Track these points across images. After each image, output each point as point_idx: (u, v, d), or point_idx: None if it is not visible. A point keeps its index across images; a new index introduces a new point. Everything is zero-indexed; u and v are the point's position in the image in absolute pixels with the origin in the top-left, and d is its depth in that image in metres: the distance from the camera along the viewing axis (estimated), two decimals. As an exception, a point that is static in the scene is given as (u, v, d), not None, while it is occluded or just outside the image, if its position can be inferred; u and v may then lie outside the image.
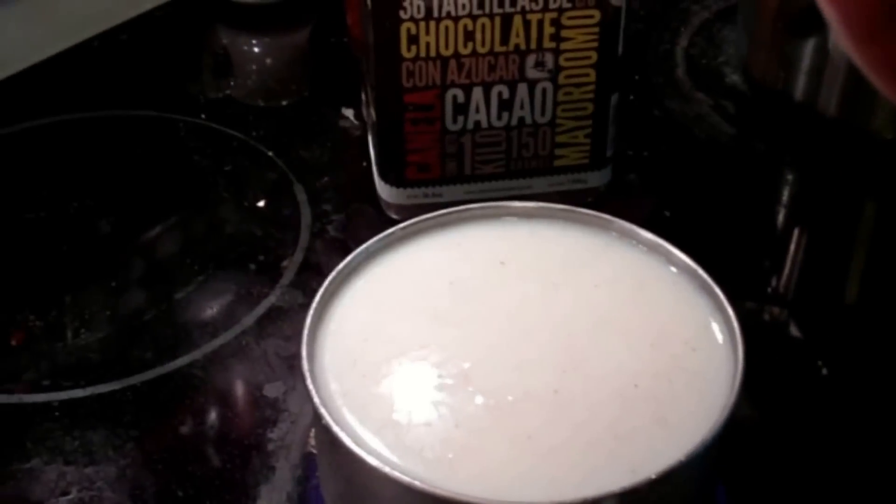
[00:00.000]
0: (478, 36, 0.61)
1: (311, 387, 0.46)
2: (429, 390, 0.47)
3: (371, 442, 0.44)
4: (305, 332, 0.48)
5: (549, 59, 0.63)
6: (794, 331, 0.61)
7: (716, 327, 0.49)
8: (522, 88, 0.63)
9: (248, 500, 0.53)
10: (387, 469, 0.42)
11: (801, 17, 0.77)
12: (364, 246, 0.53)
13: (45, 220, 0.70)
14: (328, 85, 0.84)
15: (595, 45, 0.63)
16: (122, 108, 0.80)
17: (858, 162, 0.75)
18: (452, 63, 0.62)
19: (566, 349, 0.49)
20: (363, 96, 0.74)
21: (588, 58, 0.63)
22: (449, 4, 0.60)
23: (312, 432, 0.55)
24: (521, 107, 0.64)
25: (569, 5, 0.61)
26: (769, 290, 0.66)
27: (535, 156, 0.66)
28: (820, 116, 0.77)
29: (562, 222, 0.55)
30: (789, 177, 0.78)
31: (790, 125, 0.79)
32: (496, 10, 0.60)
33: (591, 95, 0.65)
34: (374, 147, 0.68)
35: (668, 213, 0.70)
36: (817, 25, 0.74)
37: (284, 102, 0.82)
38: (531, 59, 0.62)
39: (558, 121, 0.65)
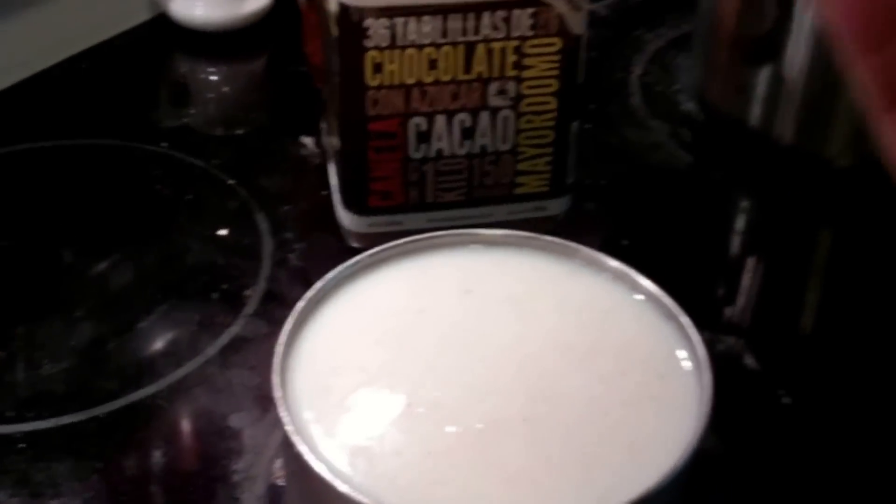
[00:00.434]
0: (441, 64, 0.62)
1: (283, 414, 0.46)
2: (400, 418, 0.47)
3: (344, 470, 0.44)
4: (277, 359, 0.48)
5: (511, 87, 0.63)
6: (750, 361, 0.62)
7: (681, 354, 0.50)
8: (485, 116, 0.64)
9: (216, 530, 0.53)
10: (360, 497, 0.42)
11: (757, 45, 0.78)
12: (332, 273, 0.53)
13: (7, 250, 0.70)
14: (287, 113, 0.84)
15: (556, 72, 0.63)
16: (83, 137, 0.79)
17: (814, 189, 0.76)
18: (416, 91, 0.62)
19: (535, 378, 0.49)
20: (322, 125, 0.74)
21: (549, 85, 0.64)
22: (413, 33, 0.60)
23: (278, 463, 0.55)
24: (483, 135, 0.65)
25: (531, 33, 0.61)
26: (725, 319, 0.66)
27: (497, 184, 0.67)
28: (776, 144, 0.78)
29: (527, 250, 0.56)
30: (746, 204, 0.79)
31: (746, 152, 0.80)
32: (459, 38, 0.61)
33: (552, 123, 0.65)
34: (337, 175, 0.68)
35: (625, 242, 0.70)
36: (773, 53, 0.76)
37: (243, 131, 0.82)
38: (494, 87, 0.63)
39: (520, 148, 0.66)
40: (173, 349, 0.62)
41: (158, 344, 0.63)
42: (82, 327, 0.64)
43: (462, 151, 0.65)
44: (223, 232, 0.71)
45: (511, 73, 0.63)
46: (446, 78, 0.62)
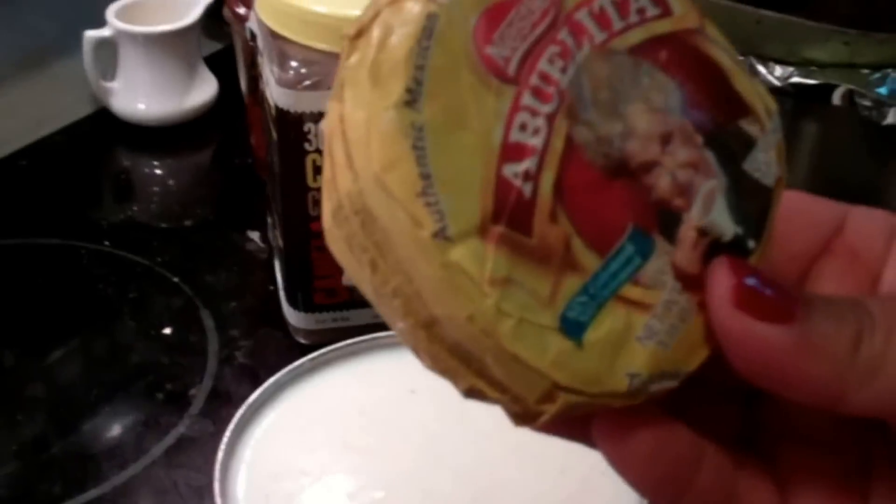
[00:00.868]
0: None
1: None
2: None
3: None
4: (217, 466, 0.49)
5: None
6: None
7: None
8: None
9: None
10: None
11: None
12: (273, 378, 0.54)
13: (-52, 353, 0.69)
14: (233, 207, 0.85)
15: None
16: (23, 236, 0.79)
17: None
18: (358, 191, 0.63)
19: (478, 478, 0.50)
20: (269, 219, 0.75)
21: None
22: (354, 136, 0.61)
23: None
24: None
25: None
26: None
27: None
28: None
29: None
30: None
31: None
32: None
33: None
34: (282, 273, 0.69)
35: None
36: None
37: (188, 225, 0.82)
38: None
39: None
40: (118, 450, 0.62)
41: (103, 445, 0.63)
42: (25, 430, 0.64)
43: (405, 248, 0.66)
44: (168, 330, 0.71)
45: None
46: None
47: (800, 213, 0.31)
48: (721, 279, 0.26)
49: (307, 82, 0.60)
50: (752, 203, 0.28)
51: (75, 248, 0.79)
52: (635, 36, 0.27)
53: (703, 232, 0.27)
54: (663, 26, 0.27)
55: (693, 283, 0.27)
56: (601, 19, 0.26)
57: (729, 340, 0.26)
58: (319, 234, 0.64)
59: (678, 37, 0.27)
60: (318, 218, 0.63)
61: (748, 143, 0.28)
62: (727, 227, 0.27)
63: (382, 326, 0.59)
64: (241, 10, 0.77)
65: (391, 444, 0.52)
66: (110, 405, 0.66)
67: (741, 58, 0.29)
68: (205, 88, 0.93)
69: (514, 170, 0.25)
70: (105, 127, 0.93)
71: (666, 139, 0.27)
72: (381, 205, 0.24)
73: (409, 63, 0.24)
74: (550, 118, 0.25)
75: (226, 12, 0.81)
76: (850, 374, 0.26)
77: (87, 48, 0.88)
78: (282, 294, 0.69)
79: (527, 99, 0.25)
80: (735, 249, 0.27)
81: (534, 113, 0.25)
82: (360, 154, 0.25)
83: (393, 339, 0.56)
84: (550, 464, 0.50)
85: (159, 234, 0.81)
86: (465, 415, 0.53)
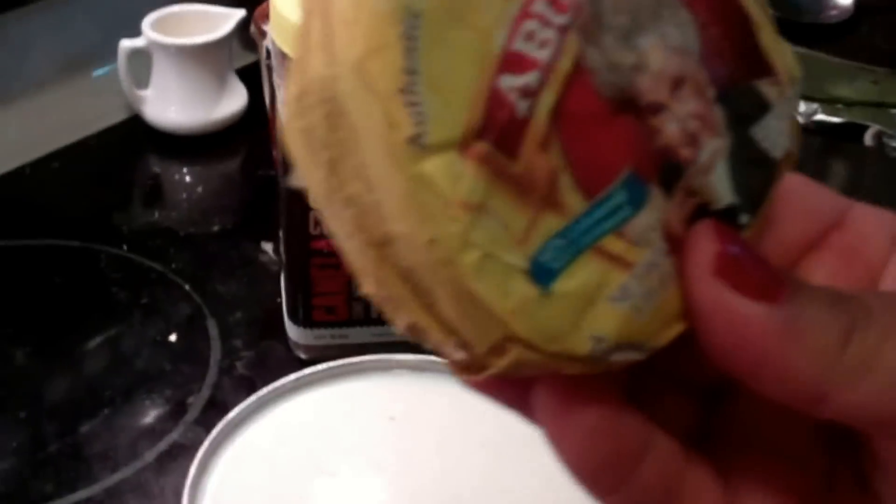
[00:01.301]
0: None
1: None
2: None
3: None
4: (186, 492, 0.50)
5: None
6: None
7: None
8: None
9: None
10: None
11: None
12: (250, 400, 0.55)
13: (-40, 348, 0.72)
14: (252, 217, 0.86)
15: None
16: (46, 237, 0.82)
17: None
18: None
19: (450, 497, 0.50)
20: (281, 233, 0.76)
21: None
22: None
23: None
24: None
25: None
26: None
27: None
28: None
29: (451, 376, 0.57)
30: None
31: None
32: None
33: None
34: (284, 287, 0.70)
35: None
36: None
37: (205, 233, 0.84)
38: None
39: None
40: (112, 453, 0.64)
41: (98, 447, 0.65)
42: (26, 428, 0.66)
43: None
44: (173, 337, 0.73)
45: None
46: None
47: (798, 196, 0.28)
48: (702, 242, 0.24)
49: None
50: (755, 174, 0.25)
51: (95, 251, 0.81)
52: None
53: (693, 192, 0.24)
54: None
55: (679, 245, 0.24)
56: None
57: (703, 312, 0.24)
58: (320, 252, 0.66)
59: None
60: (320, 236, 0.65)
61: (763, 107, 0.25)
62: (723, 193, 0.25)
63: (382, 346, 0.60)
64: (265, 27, 0.79)
65: (367, 472, 0.53)
66: (110, 408, 0.67)
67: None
68: (234, 99, 0.94)
69: (511, 83, 0.22)
70: (137, 133, 0.95)
71: (677, 83, 0.24)
72: (354, 96, 0.22)
73: None
74: (562, 31, 0.22)
75: (252, 28, 0.83)
76: (836, 371, 0.23)
77: (121, 57, 0.91)
78: (284, 308, 0.70)
79: (539, 5, 0.22)
80: (727, 220, 0.25)
81: (545, 22, 0.22)
82: (342, 34, 0.22)
83: (375, 363, 0.57)
84: (524, 498, 0.51)
85: (177, 241, 0.83)
86: (441, 445, 0.54)
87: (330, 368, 0.57)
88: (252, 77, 0.95)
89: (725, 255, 0.23)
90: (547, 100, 0.22)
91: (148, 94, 0.94)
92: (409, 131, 0.21)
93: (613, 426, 0.24)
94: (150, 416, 0.67)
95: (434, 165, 0.21)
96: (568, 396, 0.24)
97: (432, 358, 0.57)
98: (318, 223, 0.64)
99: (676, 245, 0.24)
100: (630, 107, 0.23)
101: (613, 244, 0.23)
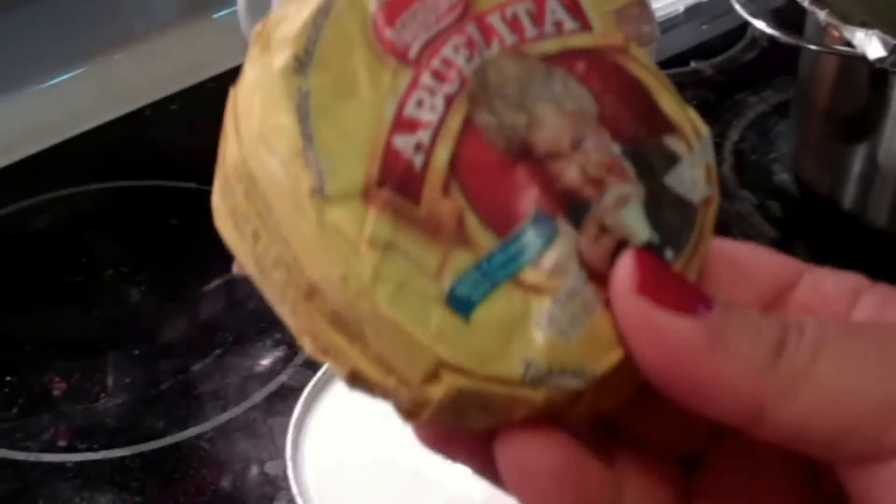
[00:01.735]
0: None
1: (290, 475, 0.49)
2: (401, 487, 0.49)
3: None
4: (290, 430, 0.51)
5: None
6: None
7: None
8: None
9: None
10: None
11: (852, 122, 0.77)
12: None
13: (80, 285, 0.74)
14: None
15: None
16: (163, 178, 0.83)
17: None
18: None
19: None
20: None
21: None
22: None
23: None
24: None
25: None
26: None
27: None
28: (869, 227, 0.76)
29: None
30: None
31: (837, 232, 0.78)
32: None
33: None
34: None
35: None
36: (867, 132, 0.75)
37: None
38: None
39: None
40: (222, 393, 0.65)
41: (209, 386, 0.66)
42: (141, 366, 0.67)
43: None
44: (285, 281, 0.74)
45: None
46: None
47: (751, 260, 0.28)
48: (624, 264, 0.24)
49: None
50: (673, 215, 0.26)
51: (210, 194, 0.82)
52: (550, 45, 0.26)
53: (605, 228, 0.25)
54: (582, 40, 0.26)
55: (599, 277, 0.25)
56: (514, 25, 0.26)
57: (631, 332, 0.24)
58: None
59: (599, 52, 0.26)
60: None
61: (672, 159, 0.26)
62: (640, 230, 0.25)
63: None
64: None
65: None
66: (222, 349, 0.69)
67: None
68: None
69: (405, 141, 0.24)
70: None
71: (578, 141, 0.25)
72: (261, 165, 0.24)
73: (300, 36, 0.24)
74: (449, 99, 0.25)
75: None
76: (770, 383, 0.23)
77: None
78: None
79: (426, 79, 0.24)
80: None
81: (432, 92, 0.24)
82: (245, 119, 0.24)
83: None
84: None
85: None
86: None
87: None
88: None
89: (645, 273, 0.24)
90: (442, 152, 0.24)
91: (267, 37, 0.94)
92: (311, 184, 0.23)
93: (574, 476, 0.24)
94: (261, 358, 0.68)
95: (338, 213, 0.23)
96: (524, 449, 0.24)
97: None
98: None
99: (596, 274, 0.25)
100: (527, 156, 0.25)
101: (531, 275, 0.24)
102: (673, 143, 0.26)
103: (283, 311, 0.25)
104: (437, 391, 0.23)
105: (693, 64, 0.97)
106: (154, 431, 0.63)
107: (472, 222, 0.24)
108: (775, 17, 0.77)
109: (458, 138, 0.24)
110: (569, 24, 0.26)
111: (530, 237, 0.24)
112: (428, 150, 0.24)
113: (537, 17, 0.26)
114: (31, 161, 0.85)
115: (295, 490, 0.50)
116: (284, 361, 0.67)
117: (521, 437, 0.24)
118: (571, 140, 0.25)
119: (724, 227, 0.79)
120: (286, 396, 0.65)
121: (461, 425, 0.25)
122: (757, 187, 0.83)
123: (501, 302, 0.24)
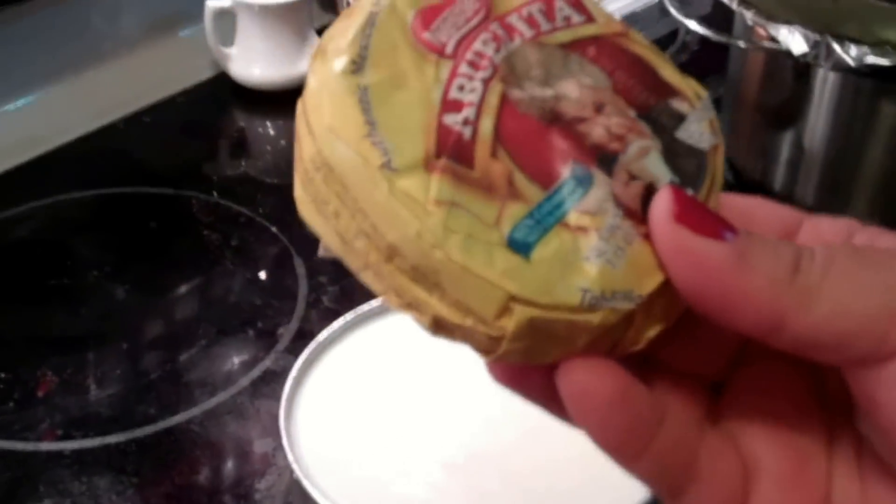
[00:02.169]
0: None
1: (286, 444, 0.52)
2: (393, 451, 0.53)
3: (338, 499, 0.50)
4: (285, 395, 0.54)
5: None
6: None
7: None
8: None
9: (234, 541, 0.59)
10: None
11: (779, 112, 0.82)
12: (336, 324, 0.59)
13: (67, 287, 0.77)
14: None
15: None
16: (142, 186, 0.87)
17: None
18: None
19: (516, 415, 0.54)
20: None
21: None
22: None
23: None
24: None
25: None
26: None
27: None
28: (798, 207, 0.80)
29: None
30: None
31: None
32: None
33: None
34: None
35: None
36: (794, 120, 0.80)
37: (290, 181, 0.88)
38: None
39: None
40: (210, 379, 0.69)
41: (197, 374, 0.69)
42: (129, 358, 0.71)
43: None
44: (263, 275, 0.78)
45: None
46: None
47: (756, 210, 0.32)
48: (662, 198, 0.28)
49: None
50: (688, 161, 0.30)
51: (187, 198, 0.85)
52: (563, 36, 0.30)
53: (633, 175, 0.29)
54: (589, 30, 0.31)
55: (633, 214, 0.28)
56: (530, 21, 0.30)
57: (669, 256, 0.27)
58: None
59: (605, 38, 0.31)
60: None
61: (679, 117, 0.30)
62: (663, 174, 0.29)
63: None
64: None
65: (445, 390, 0.57)
66: (206, 339, 0.72)
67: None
68: (315, 56, 0.98)
69: (453, 118, 0.28)
70: (223, 90, 1.00)
71: (598, 106, 0.29)
72: (334, 152, 0.27)
73: (353, 45, 0.28)
74: (486, 82, 0.29)
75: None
76: (789, 295, 0.26)
77: (208, 17, 0.95)
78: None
79: (463, 68, 0.29)
80: None
81: (470, 78, 0.29)
82: (315, 116, 0.28)
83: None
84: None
85: (264, 188, 0.87)
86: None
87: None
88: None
89: (681, 205, 0.27)
90: (486, 123, 0.28)
91: (233, 52, 0.98)
92: (379, 161, 0.27)
93: (627, 400, 0.28)
94: (245, 347, 0.71)
95: (406, 181, 0.27)
96: (584, 377, 0.27)
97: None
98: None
99: (630, 212, 0.28)
100: (558, 121, 0.29)
101: (575, 217, 0.28)
102: (678, 105, 0.31)
103: (368, 276, 0.28)
104: (510, 323, 0.27)
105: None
106: (146, 417, 0.66)
107: (520, 179, 0.28)
108: (705, 22, 0.82)
109: (497, 112, 0.28)
110: (576, 17, 0.31)
111: (571, 186, 0.28)
112: (474, 124, 0.28)
113: (549, 14, 0.30)
114: (15, 173, 0.89)
115: (290, 457, 0.53)
116: (267, 349, 0.71)
117: (581, 367, 0.28)
118: (594, 106, 0.29)
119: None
120: (270, 380, 0.68)
121: (530, 358, 0.28)
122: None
123: (554, 242, 0.27)
